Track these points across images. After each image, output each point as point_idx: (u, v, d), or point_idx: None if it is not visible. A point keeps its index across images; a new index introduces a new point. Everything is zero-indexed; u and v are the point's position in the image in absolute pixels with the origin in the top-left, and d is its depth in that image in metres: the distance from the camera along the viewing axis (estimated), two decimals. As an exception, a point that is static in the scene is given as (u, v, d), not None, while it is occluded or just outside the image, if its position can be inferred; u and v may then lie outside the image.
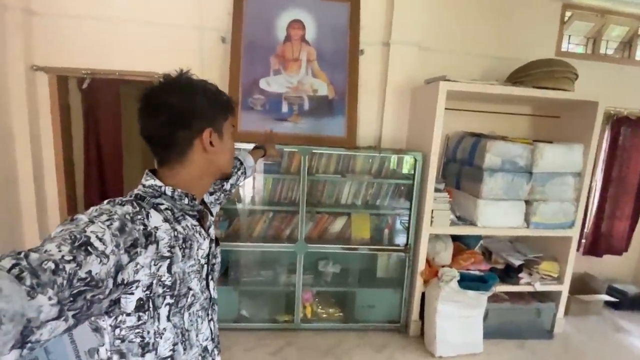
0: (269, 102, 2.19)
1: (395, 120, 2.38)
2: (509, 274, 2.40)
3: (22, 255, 0.40)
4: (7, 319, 0.34)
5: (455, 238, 2.34)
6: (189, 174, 0.70)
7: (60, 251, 0.44)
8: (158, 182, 0.67)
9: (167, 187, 0.67)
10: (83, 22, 2.20)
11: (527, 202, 2.25)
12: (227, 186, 1.05)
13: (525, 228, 2.26)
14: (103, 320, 0.59)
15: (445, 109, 2.00)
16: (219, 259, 0.83)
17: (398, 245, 2.24)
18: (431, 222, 2.11)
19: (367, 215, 2.30)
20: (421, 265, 2.16)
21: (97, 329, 0.62)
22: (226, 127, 0.74)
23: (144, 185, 0.68)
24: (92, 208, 0.56)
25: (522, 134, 2.57)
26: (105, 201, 0.60)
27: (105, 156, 2.46)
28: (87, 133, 2.43)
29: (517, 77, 2.29)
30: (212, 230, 0.79)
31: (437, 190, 2.10)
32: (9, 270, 0.37)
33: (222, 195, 1.02)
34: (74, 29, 2.21)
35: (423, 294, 2.21)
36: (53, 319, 0.41)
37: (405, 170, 2.32)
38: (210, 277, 0.76)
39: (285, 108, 2.20)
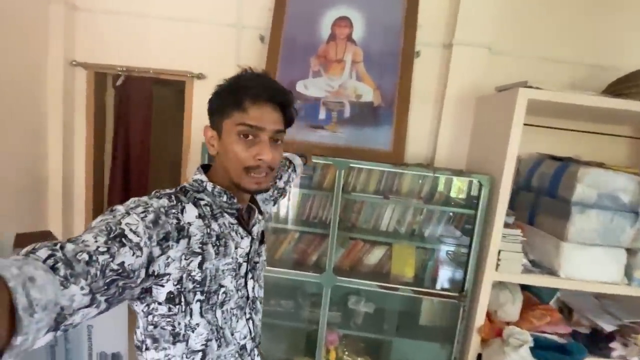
0: (306, 108, 1.92)
1: (454, 134, 1.98)
2: (597, 341, 1.83)
3: (58, 246, 0.42)
4: (39, 308, 0.34)
5: (523, 287, 1.84)
6: (219, 171, 0.70)
7: (96, 242, 0.46)
8: (203, 177, 0.69)
9: (208, 183, 0.68)
10: (122, 18, 2.13)
11: (630, 251, 1.70)
12: (280, 184, 1.04)
13: (625, 285, 1.71)
14: (136, 305, 0.61)
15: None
16: (263, 258, 0.81)
17: (450, 290, 1.79)
18: (497, 265, 1.65)
19: (413, 248, 1.89)
20: (480, 319, 1.69)
21: (136, 312, 0.63)
22: (227, 126, 0.65)
23: (193, 179, 0.69)
24: (131, 199, 0.57)
25: (617, 162, 2.02)
26: (153, 192, 0.62)
27: (132, 155, 2.37)
28: (116, 130, 2.35)
29: (618, 88, 1.80)
30: (256, 228, 0.76)
31: (506, 225, 1.65)
32: (44, 261, 0.39)
33: (276, 192, 1.00)
34: (114, 25, 2.14)
35: (479, 356, 1.73)
36: (85, 307, 0.42)
37: (462, 196, 1.90)
38: (249, 276, 0.74)
39: (322, 114, 1.92)
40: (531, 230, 1.80)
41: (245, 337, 0.73)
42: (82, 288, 0.41)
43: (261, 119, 0.63)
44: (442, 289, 1.81)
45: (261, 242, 0.80)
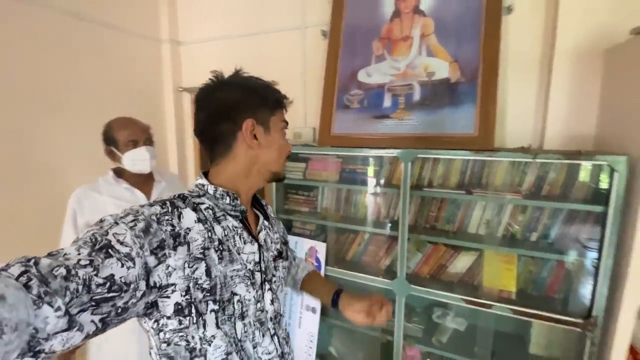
0: (368, 97, 1.75)
1: (573, 105, 1.46)
2: None
3: (32, 262, 0.39)
4: (8, 329, 0.32)
5: None
6: (234, 170, 0.69)
7: (78, 254, 0.43)
8: (204, 181, 0.69)
9: (209, 186, 0.67)
10: (211, 44, 2.44)
11: None
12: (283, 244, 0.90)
13: None
14: (145, 323, 0.58)
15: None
16: (280, 274, 0.78)
17: (570, 315, 1.31)
18: (647, 286, 1.12)
19: (513, 256, 1.49)
20: (619, 354, 1.19)
21: (146, 331, 0.60)
22: (274, 122, 0.72)
23: (194, 185, 0.70)
24: (123, 209, 0.55)
25: None
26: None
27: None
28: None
29: None
30: (263, 235, 0.74)
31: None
32: (17, 278, 0.36)
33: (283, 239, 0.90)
34: (206, 52, 2.48)
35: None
36: (62, 331, 0.38)
37: (586, 187, 1.38)
38: (267, 287, 0.72)
39: (387, 102, 1.71)
40: None
41: (271, 354, 0.70)
42: (57, 309, 0.37)
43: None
44: (557, 312, 1.33)
45: (279, 256, 0.79)
